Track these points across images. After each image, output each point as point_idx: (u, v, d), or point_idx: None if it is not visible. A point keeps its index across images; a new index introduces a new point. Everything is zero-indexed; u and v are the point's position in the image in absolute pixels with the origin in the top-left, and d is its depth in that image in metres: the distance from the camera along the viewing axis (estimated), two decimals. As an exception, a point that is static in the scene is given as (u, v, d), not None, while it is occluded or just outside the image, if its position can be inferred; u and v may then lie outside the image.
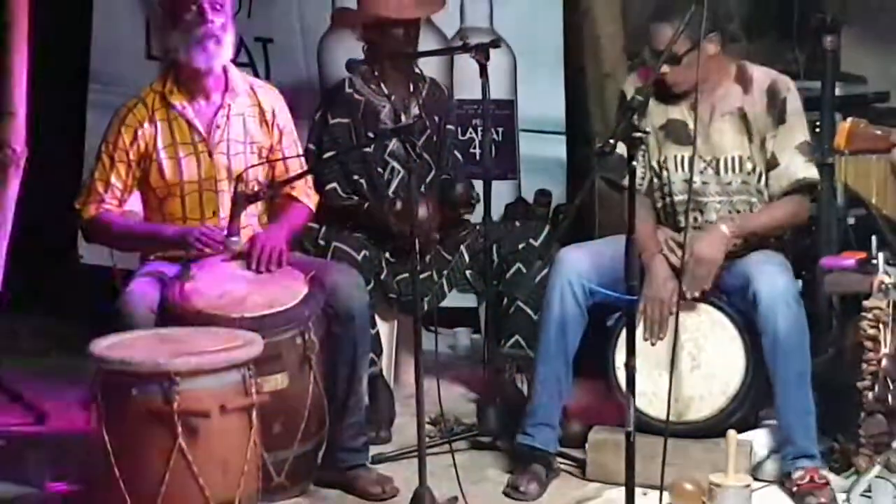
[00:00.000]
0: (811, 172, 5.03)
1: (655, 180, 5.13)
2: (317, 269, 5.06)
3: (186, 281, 4.85)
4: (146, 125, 5.08)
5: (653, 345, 4.94)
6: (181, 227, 5.07)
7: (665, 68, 4.81)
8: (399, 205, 5.49)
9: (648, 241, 4.94)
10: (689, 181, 4.92)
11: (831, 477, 4.88)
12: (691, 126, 4.95)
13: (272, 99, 5.26)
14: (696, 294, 4.95)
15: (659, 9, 4.98)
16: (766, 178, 5.06)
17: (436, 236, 5.61)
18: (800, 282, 5.06)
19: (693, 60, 4.74)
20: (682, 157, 5.08)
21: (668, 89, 4.97)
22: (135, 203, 5.21)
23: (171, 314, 4.79)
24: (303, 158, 5.34)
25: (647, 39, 4.97)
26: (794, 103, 5.05)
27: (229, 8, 5.12)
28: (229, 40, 5.10)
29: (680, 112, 5.07)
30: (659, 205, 5.15)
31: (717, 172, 5.06)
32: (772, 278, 4.86)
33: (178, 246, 4.99)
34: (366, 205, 5.61)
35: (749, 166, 5.05)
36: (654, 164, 5.11)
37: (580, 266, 4.99)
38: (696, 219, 5.05)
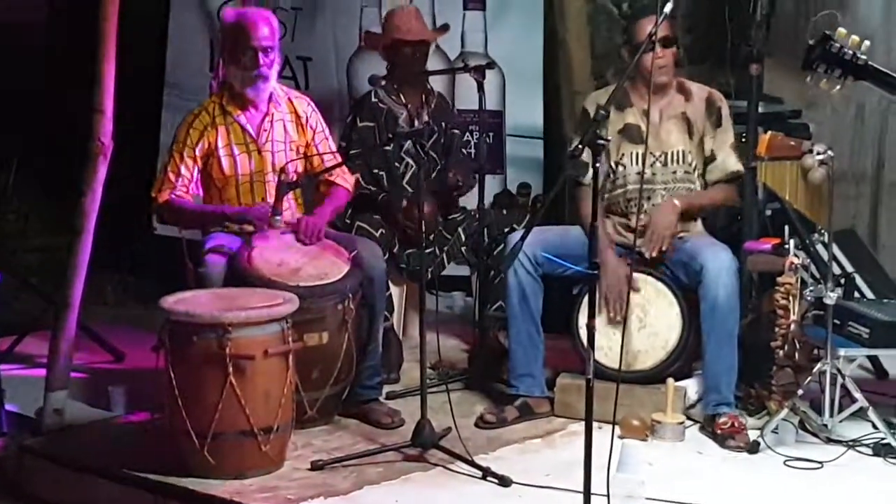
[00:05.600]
0: (739, 166, 5.12)
1: (611, 175, 5.07)
2: (347, 240, 5.06)
3: (250, 250, 4.82)
4: (209, 129, 5.06)
5: (614, 321, 4.89)
6: (240, 207, 5.06)
7: (659, 51, 4.84)
8: (405, 203, 5.46)
9: (601, 238, 4.75)
10: (641, 173, 4.88)
11: (747, 418, 4.85)
12: (643, 128, 4.94)
13: (305, 106, 5.24)
14: (654, 254, 4.92)
15: (638, 9, 5.05)
16: (704, 170, 5.08)
17: (438, 221, 5.57)
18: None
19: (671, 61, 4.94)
20: (637, 154, 5.05)
21: (648, 78, 4.84)
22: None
23: (239, 277, 4.76)
24: (336, 152, 5.30)
25: (630, 37, 4.99)
26: (726, 111, 5.12)
27: (277, 49, 5.08)
28: (275, 71, 5.09)
29: (634, 117, 5.05)
30: (609, 195, 5.06)
31: (665, 164, 5.05)
32: (717, 255, 4.86)
33: (238, 222, 4.98)
34: (382, 196, 5.57)
35: (689, 159, 5.06)
36: (612, 163, 5.05)
37: (528, 246, 4.79)
38: (644, 204, 5.01)
